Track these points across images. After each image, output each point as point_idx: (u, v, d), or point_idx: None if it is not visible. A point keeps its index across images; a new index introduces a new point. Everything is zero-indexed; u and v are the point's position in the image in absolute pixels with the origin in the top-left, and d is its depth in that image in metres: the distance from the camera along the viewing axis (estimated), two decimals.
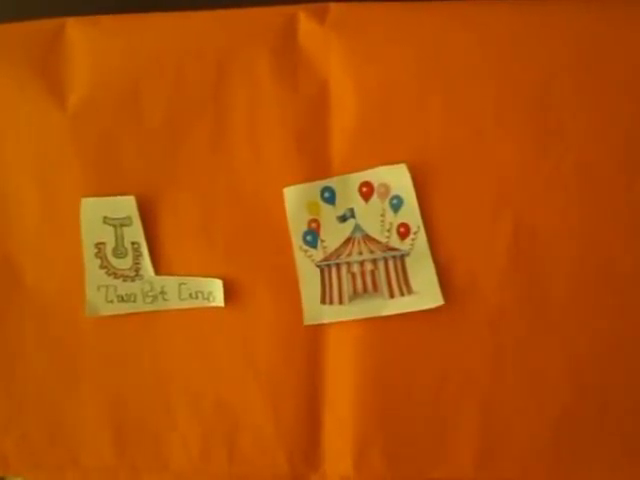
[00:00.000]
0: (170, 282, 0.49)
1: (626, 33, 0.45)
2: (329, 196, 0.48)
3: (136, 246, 0.49)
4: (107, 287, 0.50)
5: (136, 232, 0.49)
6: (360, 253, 0.48)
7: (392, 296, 0.47)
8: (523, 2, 0.46)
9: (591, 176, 0.46)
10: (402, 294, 0.47)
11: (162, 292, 0.49)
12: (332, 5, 0.48)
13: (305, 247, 0.48)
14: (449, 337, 0.47)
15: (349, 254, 0.48)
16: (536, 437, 0.47)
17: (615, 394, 0.46)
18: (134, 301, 0.49)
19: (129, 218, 0.49)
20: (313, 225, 0.48)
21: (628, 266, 0.46)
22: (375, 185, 0.47)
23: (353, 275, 0.48)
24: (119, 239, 0.49)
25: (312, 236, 0.48)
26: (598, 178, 0.46)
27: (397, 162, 0.47)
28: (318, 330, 0.48)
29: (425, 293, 0.47)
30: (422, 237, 0.47)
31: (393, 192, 0.47)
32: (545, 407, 0.46)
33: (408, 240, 0.47)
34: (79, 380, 0.50)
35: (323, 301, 0.48)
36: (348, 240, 0.48)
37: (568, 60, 0.46)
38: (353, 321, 0.48)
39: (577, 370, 0.46)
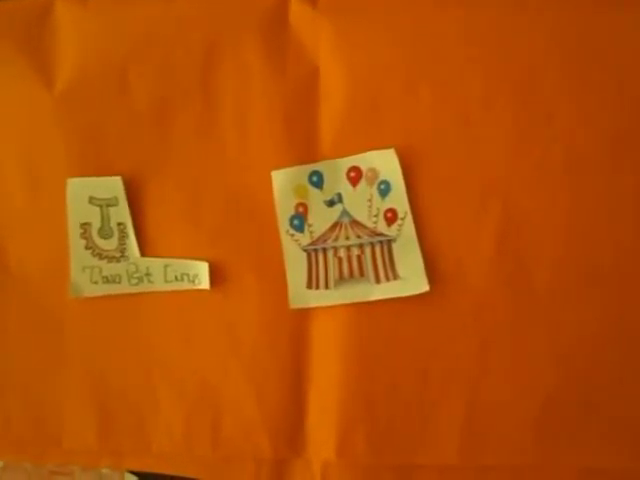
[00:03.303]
0: (155, 264, 0.49)
1: (614, 19, 0.45)
2: (317, 180, 0.48)
3: (122, 227, 0.49)
4: (92, 268, 0.49)
5: (122, 213, 0.49)
6: (347, 238, 0.48)
7: (378, 281, 0.47)
8: None
9: (579, 164, 0.46)
10: (388, 279, 0.47)
11: (147, 274, 0.49)
12: None
13: (292, 231, 0.48)
14: (435, 323, 0.47)
15: (336, 239, 0.48)
16: (520, 424, 0.47)
17: (599, 381, 0.46)
18: (119, 282, 0.49)
19: (115, 198, 0.48)
20: (300, 209, 0.48)
21: (615, 254, 0.46)
22: (363, 170, 0.47)
23: (339, 260, 0.48)
24: (105, 220, 0.49)
25: (299, 220, 0.48)
26: (586, 166, 0.46)
27: (386, 147, 0.47)
28: (303, 314, 0.48)
29: (411, 279, 0.47)
30: (409, 223, 0.47)
31: (381, 177, 0.47)
32: (530, 394, 0.47)
33: (395, 226, 0.47)
34: (62, 363, 0.50)
35: (309, 285, 0.48)
36: (335, 225, 0.48)
37: (556, 46, 0.46)
38: (339, 306, 0.48)
39: (562, 357, 0.46)
